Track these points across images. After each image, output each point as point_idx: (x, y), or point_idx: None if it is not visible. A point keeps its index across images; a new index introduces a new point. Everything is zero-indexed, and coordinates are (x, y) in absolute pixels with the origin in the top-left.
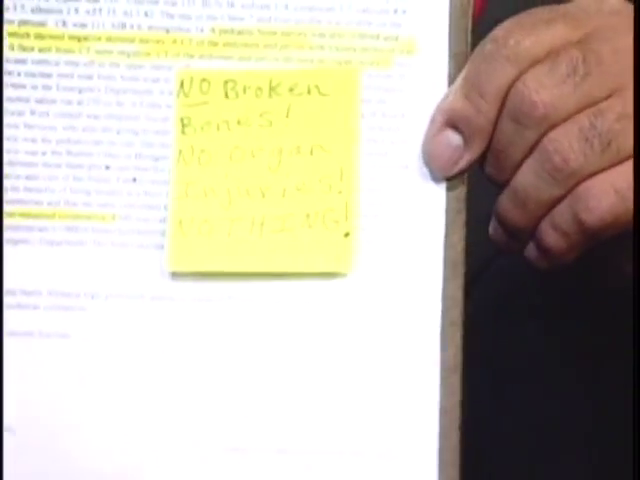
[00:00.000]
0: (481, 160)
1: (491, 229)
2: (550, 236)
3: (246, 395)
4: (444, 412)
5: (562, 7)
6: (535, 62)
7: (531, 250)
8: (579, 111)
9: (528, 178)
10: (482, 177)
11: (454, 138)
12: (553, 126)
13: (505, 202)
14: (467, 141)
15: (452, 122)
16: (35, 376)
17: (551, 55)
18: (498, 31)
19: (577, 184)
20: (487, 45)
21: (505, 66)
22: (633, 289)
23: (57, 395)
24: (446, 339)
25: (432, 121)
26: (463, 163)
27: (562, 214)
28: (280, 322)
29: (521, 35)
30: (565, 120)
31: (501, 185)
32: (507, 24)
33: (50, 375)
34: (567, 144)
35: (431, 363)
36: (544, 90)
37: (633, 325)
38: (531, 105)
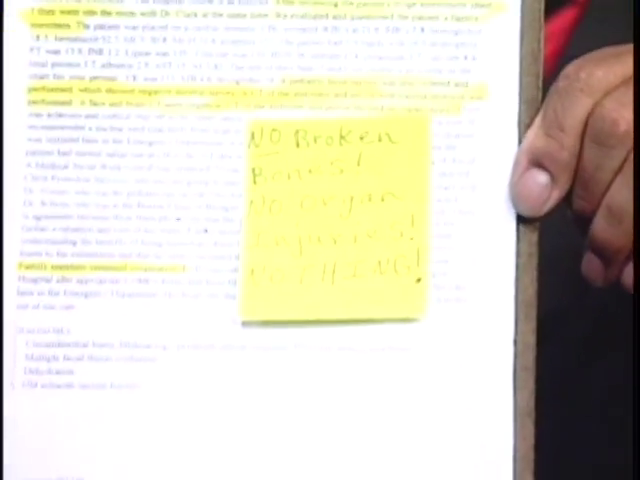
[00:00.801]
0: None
1: (584, 263)
2: None
3: (320, 442)
4: (518, 457)
5: (628, 45)
6: (609, 91)
7: (628, 275)
8: None
9: (622, 193)
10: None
11: (541, 177)
12: None
13: (600, 224)
14: (554, 177)
15: (536, 161)
16: (106, 427)
17: (624, 82)
18: (569, 67)
19: None
20: (560, 82)
21: (580, 98)
22: (633, 290)
23: (128, 446)
24: (519, 384)
25: (516, 163)
26: (552, 201)
27: None
28: (353, 368)
29: (592, 67)
30: None
31: (587, 219)
32: (577, 61)
33: (121, 426)
34: None
35: (504, 408)
36: (623, 108)
37: (633, 326)
38: (613, 123)
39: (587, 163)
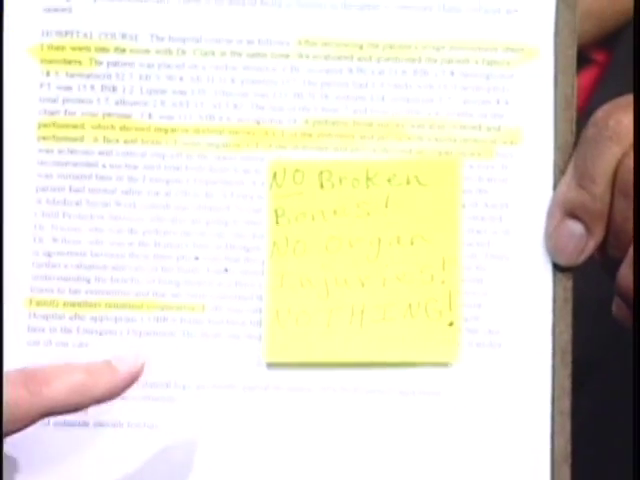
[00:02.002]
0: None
1: (614, 306)
2: None
3: None
4: None
5: None
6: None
7: None
8: None
9: None
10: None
11: (576, 227)
12: None
13: (626, 272)
14: (589, 228)
15: (570, 212)
16: (122, 468)
17: None
18: (597, 114)
19: None
20: (589, 130)
21: (609, 147)
22: (633, 291)
23: None
24: (556, 429)
25: (550, 214)
26: (589, 250)
27: None
28: (382, 412)
29: (620, 114)
30: None
31: (616, 263)
32: (605, 106)
33: (138, 466)
34: None
35: (541, 454)
36: None
37: (633, 326)
38: None
39: (617, 214)
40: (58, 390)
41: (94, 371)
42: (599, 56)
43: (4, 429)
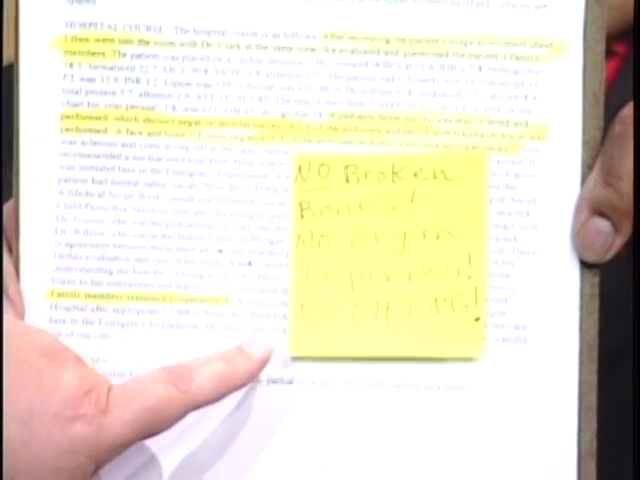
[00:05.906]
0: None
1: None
2: None
3: None
4: None
5: None
6: None
7: None
8: None
9: None
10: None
11: (603, 225)
12: None
13: None
14: (616, 226)
15: (598, 210)
16: (145, 460)
17: None
18: (624, 111)
19: None
20: (616, 127)
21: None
22: (633, 289)
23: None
24: (582, 424)
25: (577, 212)
26: (616, 247)
27: None
28: (406, 406)
29: None
30: None
31: None
32: (633, 103)
33: (161, 460)
34: None
35: (568, 449)
36: None
37: (633, 326)
38: None
39: None
40: (203, 384)
41: (230, 359)
42: (620, 48)
43: (157, 428)
